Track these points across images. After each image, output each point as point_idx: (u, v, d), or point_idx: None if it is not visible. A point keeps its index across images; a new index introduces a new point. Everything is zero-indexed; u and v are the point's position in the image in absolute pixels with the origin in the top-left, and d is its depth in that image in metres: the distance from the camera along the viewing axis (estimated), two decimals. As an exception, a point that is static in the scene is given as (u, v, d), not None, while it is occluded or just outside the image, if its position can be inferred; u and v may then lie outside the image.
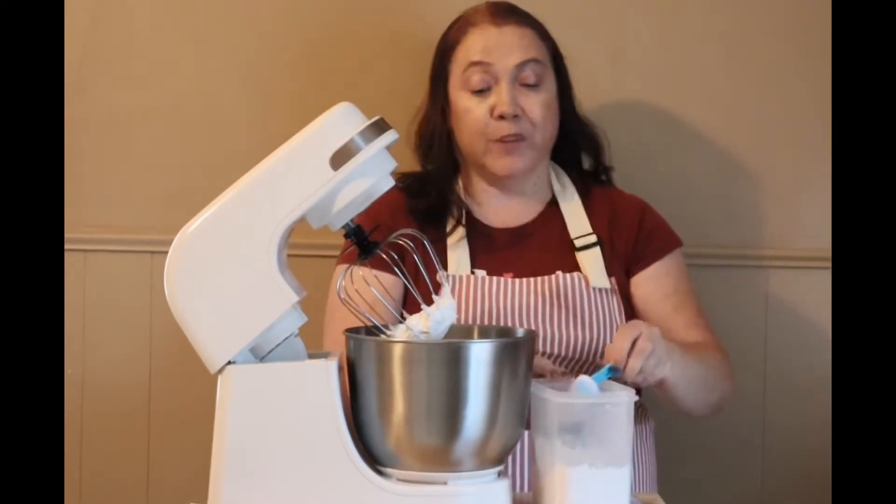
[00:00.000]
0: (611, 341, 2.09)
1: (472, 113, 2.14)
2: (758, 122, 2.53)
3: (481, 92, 2.14)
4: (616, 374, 1.85)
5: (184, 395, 2.53)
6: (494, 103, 2.12)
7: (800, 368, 2.52)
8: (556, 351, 2.08)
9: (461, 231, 2.17)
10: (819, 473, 2.39)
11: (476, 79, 2.13)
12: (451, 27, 2.21)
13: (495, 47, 2.13)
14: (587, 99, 2.30)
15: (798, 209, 2.53)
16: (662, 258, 2.19)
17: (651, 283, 2.18)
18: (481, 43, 2.14)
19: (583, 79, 2.26)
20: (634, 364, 1.85)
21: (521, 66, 2.13)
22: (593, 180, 2.27)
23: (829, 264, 2.39)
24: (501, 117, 2.11)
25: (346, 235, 1.78)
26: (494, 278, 2.12)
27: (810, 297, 2.51)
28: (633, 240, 2.19)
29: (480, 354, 1.69)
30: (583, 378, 1.79)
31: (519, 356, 1.73)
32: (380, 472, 1.73)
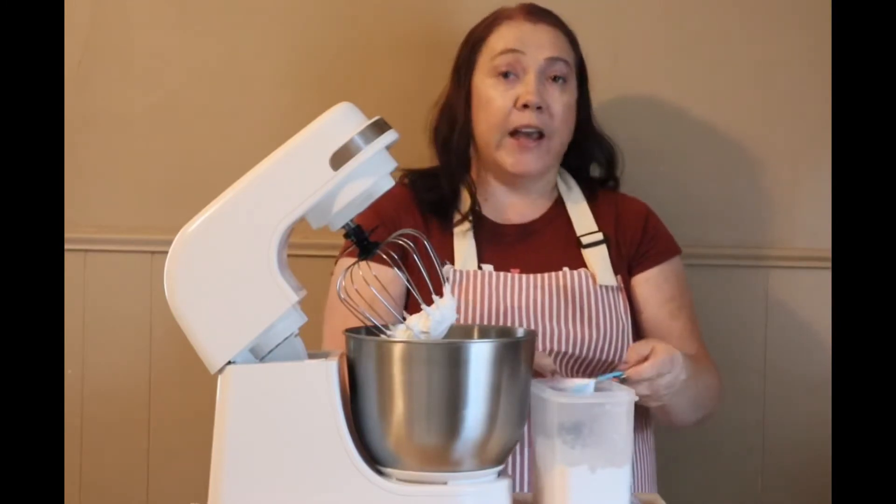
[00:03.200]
0: (617, 339, 2.10)
1: (494, 102, 2.15)
2: (758, 122, 2.53)
3: (507, 77, 2.14)
4: (618, 375, 1.86)
5: (184, 395, 2.53)
6: (520, 93, 2.13)
7: (800, 368, 2.52)
8: (562, 348, 2.08)
9: (467, 224, 2.17)
10: (819, 473, 2.39)
11: (505, 64, 2.15)
12: (484, 20, 2.23)
13: (529, 39, 2.15)
14: (587, 99, 2.30)
15: (798, 209, 2.53)
16: (663, 263, 2.20)
17: (650, 285, 2.18)
18: (515, 34, 2.16)
19: (583, 78, 2.27)
20: (643, 370, 1.86)
21: (551, 60, 2.15)
22: (599, 185, 2.28)
23: (829, 264, 2.39)
24: (525, 106, 2.12)
25: (346, 235, 1.78)
26: (501, 274, 2.13)
27: (810, 297, 2.51)
28: (637, 241, 2.20)
29: (480, 354, 1.69)
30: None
31: (519, 356, 1.73)
32: (380, 472, 1.73)
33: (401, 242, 1.81)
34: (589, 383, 1.78)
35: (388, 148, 1.75)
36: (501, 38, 2.17)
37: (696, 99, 2.53)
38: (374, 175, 1.73)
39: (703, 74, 2.53)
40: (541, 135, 2.14)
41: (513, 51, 2.15)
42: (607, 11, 2.53)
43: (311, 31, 2.54)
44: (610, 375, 1.83)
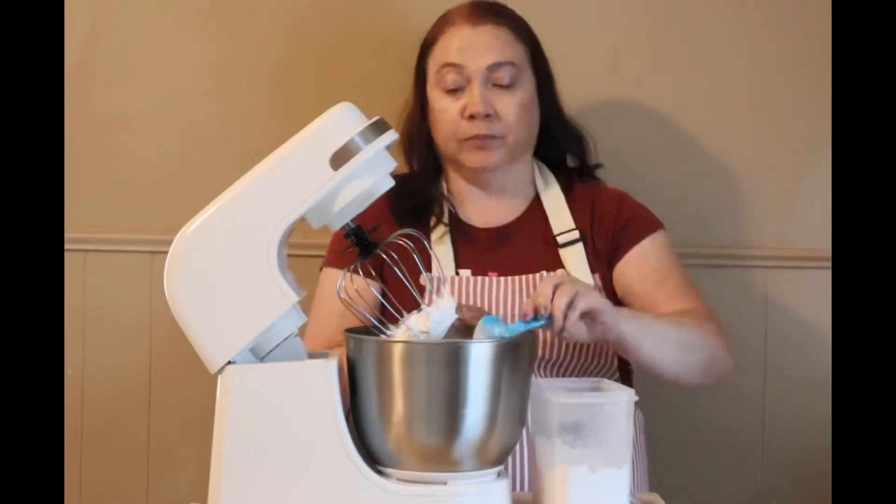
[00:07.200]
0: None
1: (445, 113, 2.14)
2: (758, 123, 2.53)
3: (454, 92, 2.14)
4: (542, 323, 1.79)
5: (184, 395, 2.53)
6: (466, 103, 2.13)
7: (800, 368, 2.52)
8: (539, 352, 2.06)
9: (444, 229, 2.17)
10: (819, 473, 2.39)
11: (449, 79, 2.14)
12: (433, 25, 2.21)
13: (469, 48, 2.13)
14: (587, 99, 2.30)
15: (798, 209, 2.53)
16: (640, 242, 2.16)
17: (630, 268, 2.15)
18: (456, 43, 2.15)
19: (583, 79, 2.26)
20: (560, 301, 1.78)
21: (494, 67, 2.13)
22: (577, 177, 2.26)
23: (829, 264, 2.39)
24: (472, 117, 2.12)
25: (346, 236, 1.78)
26: (479, 278, 2.12)
27: (810, 297, 2.51)
28: (612, 231, 2.16)
29: (480, 354, 1.69)
30: (488, 319, 1.75)
31: (519, 356, 1.73)
32: (380, 472, 1.73)
33: (401, 243, 1.81)
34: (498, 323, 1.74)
35: (388, 148, 1.75)
36: (443, 50, 2.15)
37: (695, 99, 2.53)
38: (374, 175, 1.74)
39: (703, 74, 2.53)
40: (494, 136, 2.13)
41: (453, 65, 2.13)
42: (607, 11, 2.53)
43: (311, 31, 2.54)
44: (523, 325, 1.78)
